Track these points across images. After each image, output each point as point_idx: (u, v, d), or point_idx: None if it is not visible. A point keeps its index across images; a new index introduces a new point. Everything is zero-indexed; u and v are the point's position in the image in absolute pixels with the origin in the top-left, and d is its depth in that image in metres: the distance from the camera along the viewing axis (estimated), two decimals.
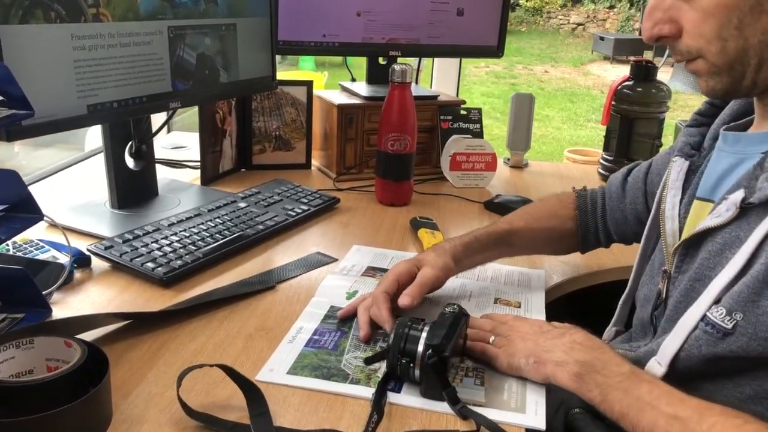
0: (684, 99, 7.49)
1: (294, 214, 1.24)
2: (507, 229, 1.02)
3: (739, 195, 0.70)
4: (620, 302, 0.94)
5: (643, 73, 1.58)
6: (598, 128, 6.11)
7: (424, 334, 0.74)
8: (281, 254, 1.11)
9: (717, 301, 0.68)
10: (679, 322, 0.71)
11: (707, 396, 0.67)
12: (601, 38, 10.34)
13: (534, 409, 0.74)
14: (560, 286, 1.09)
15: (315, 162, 1.63)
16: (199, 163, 1.44)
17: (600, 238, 1.05)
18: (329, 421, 0.70)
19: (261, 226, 1.16)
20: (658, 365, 0.73)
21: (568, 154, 3.44)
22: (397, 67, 1.32)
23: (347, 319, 0.90)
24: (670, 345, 0.72)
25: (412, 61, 1.71)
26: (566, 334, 0.77)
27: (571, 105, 7.31)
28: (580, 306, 1.15)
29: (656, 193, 0.90)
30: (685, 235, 0.79)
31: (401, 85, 1.33)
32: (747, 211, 0.69)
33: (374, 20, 1.54)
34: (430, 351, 0.72)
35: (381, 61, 1.63)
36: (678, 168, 0.84)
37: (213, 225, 1.13)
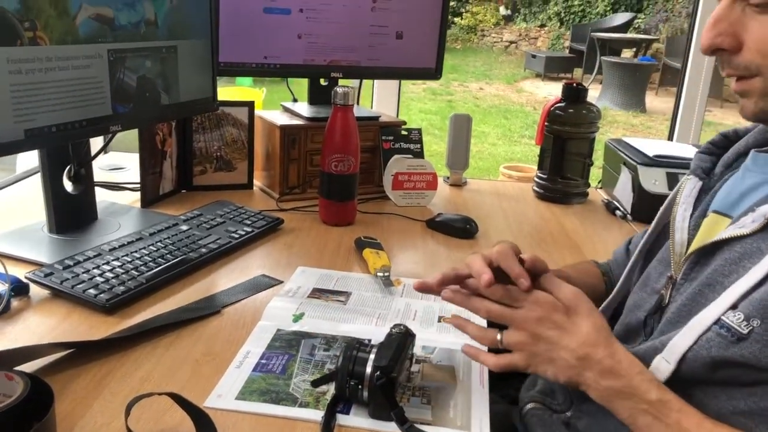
0: (612, 115, 7.77)
1: (237, 236, 1.24)
2: (569, 276, 0.99)
3: (767, 209, 0.71)
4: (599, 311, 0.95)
5: (574, 95, 1.65)
6: (532, 144, 6.28)
7: (372, 356, 0.76)
8: (225, 277, 1.11)
9: (734, 307, 0.69)
10: (692, 323, 0.72)
11: (698, 405, 0.70)
12: (533, 56, 10.63)
13: (479, 426, 0.76)
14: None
15: (257, 182, 1.63)
16: (138, 185, 1.42)
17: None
18: None
19: (204, 249, 1.16)
20: (665, 362, 0.73)
21: (504, 170, 3.53)
22: (339, 89, 1.34)
23: (295, 342, 0.91)
24: (680, 343, 0.72)
25: (352, 83, 1.74)
26: (590, 353, 0.74)
27: (506, 121, 7.49)
28: None
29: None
30: (697, 244, 0.80)
31: (344, 107, 1.35)
32: None
33: (315, 42, 1.56)
34: (378, 372, 0.74)
35: (322, 82, 1.65)
36: (692, 186, 0.87)
37: (155, 249, 1.12)
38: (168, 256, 1.10)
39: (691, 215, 0.85)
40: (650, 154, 1.61)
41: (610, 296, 0.96)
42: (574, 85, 1.65)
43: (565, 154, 1.66)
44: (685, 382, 0.72)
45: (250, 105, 1.59)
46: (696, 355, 0.70)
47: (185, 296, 1.03)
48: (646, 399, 0.70)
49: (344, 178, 1.38)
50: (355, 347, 0.77)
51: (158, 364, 0.84)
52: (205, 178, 1.56)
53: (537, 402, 0.93)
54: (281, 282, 1.11)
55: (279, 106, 1.70)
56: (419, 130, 1.68)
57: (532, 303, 0.77)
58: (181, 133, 1.51)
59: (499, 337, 0.79)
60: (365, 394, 0.75)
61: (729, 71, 0.75)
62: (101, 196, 1.37)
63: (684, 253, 0.82)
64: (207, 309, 0.99)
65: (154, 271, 1.05)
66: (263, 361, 0.86)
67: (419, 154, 1.64)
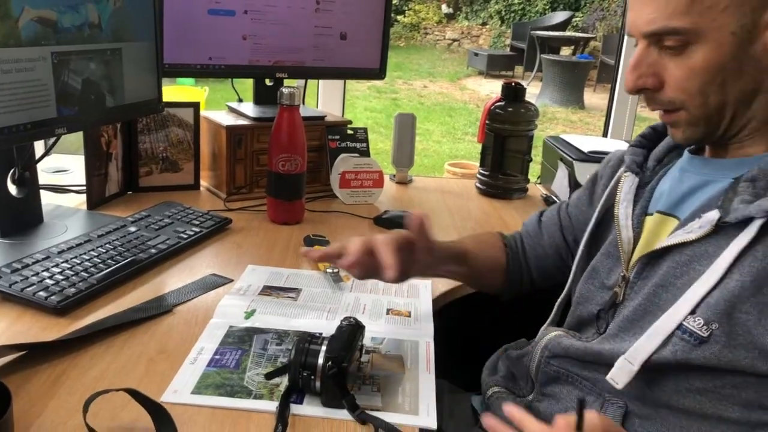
0: (552, 112, 7.97)
1: (186, 236, 1.25)
2: (465, 249, 1.07)
3: (714, 214, 0.75)
4: (557, 303, 0.99)
5: (513, 94, 1.71)
6: (475, 142, 6.40)
7: (323, 348, 0.79)
8: (176, 277, 1.13)
9: (693, 312, 0.74)
10: (655, 328, 0.76)
11: (661, 400, 0.76)
12: (476, 54, 10.80)
13: (426, 411, 0.80)
14: (447, 293, 1.17)
15: (204, 183, 1.64)
16: (84, 188, 1.42)
17: (523, 276, 1.12)
18: None
19: (153, 250, 1.17)
20: (629, 364, 0.77)
21: (448, 167, 3.60)
22: (285, 90, 1.36)
23: (247, 338, 0.94)
24: (644, 347, 0.76)
25: (297, 83, 1.77)
26: None
27: (450, 119, 7.60)
28: (472, 312, 1.24)
29: (580, 225, 1.01)
30: (643, 244, 0.85)
31: (290, 108, 1.38)
32: (718, 230, 0.75)
33: (260, 43, 1.57)
34: (329, 363, 0.77)
35: (268, 82, 1.67)
36: (630, 183, 0.91)
37: (104, 251, 1.12)
38: (118, 257, 1.11)
39: (633, 211, 0.89)
40: (585, 150, 1.69)
41: (565, 289, 1.00)
42: (513, 84, 1.71)
43: (505, 151, 1.72)
44: (648, 380, 0.78)
45: (196, 106, 1.59)
46: (660, 357, 0.75)
47: (136, 296, 1.04)
48: None
49: (292, 177, 1.41)
50: (307, 340, 0.80)
51: (112, 362, 0.85)
52: (151, 179, 1.56)
53: (500, 386, 0.98)
54: (231, 280, 1.13)
55: (222, 105, 1.71)
56: (365, 129, 1.71)
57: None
58: (126, 134, 1.51)
59: None
60: (317, 384, 0.78)
61: (655, 106, 0.82)
62: (46, 198, 1.36)
63: (631, 251, 0.86)
64: (159, 308, 1.00)
65: (105, 272, 1.05)
66: (217, 357, 0.88)
67: (365, 153, 1.67)
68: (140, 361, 0.86)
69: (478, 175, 1.79)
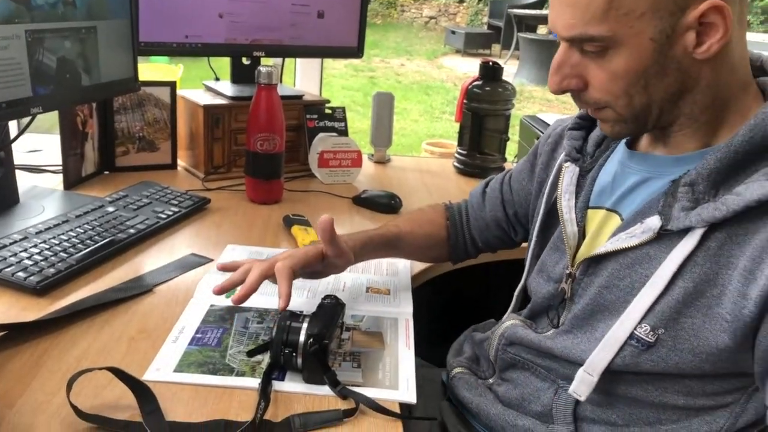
0: (529, 91, 8.00)
1: (165, 216, 1.25)
2: (396, 233, 1.07)
3: (655, 221, 0.76)
4: (516, 293, 1.01)
5: (491, 74, 1.72)
6: (452, 120, 6.41)
7: (305, 325, 0.80)
8: (155, 257, 1.13)
9: (641, 320, 0.76)
10: (607, 338, 0.77)
11: (626, 396, 0.79)
12: (453, 32, 10.77)
13: (406, 386, 0.82)
14: (425, 271, 1.18)
15: (181, 162, 1.64)
16: (60, 167, 1.40)
17: (468, 246, 1.13)
18: (219, 412, 0.74)
19: (132, 230, 1.17)
20: (588, 375, 0.79)
21: (426, 146, 3.60)
22: (263, 69, 1.36)
23: (228, 316, 0.95)
24: (600, 358, 0.78)
25: (273, 61, 1.76)
26: None
27: (427, 98, 7.59)
28: (447, 290, 1.26)
29: (521, 199, 1.03)
30: (588, 241, 0.86)
31: (268, 87, 1.37)
32: (660, 236, 0.76)
33: (237, 21, 1.56)
34: (311, 340, 0.78)
35: (245, 61, 1.66)
36: (570, 174, 0.91)
37: (83, 231, 1.12)
38: (96, 237, 1.11)
39: (576, 204, 0.89)
40: None
41: (522, 279, 1.01)
42: (490, 63, 1.72)
43: (482, 131, 1.73)
44: (608, 384, 0.81)
45: (172, 85, 1.58)
46: (614, 365, 0.78)
47: (116, 277, 1.04)
48: None
49: (270, 156, 1.41)
50: (288, 318, 0.81)
51: (94, 342, 0.86)
52: (127, 159, 1.55)
53: (464, 367, 1.00)
54: (211, 260, 1.13)
55: (197, 83, 1.70)
56: (343, 109, 1.71)
57: None
58: (102, 113, 1.50)
59: None
60: (299, 361, 0.80)
61: (582, 105, 0.82)
62: (22, 179, 1.34)
63: (576, 245, 0.87)
64: (139, 288, 1.00)
65: (84, 252, 1.05)
66: (198, 336, 0.89)
67: (344, 133, 1.68)
68: (122, 341, 0.87)
69: (456, 155, 1.80)
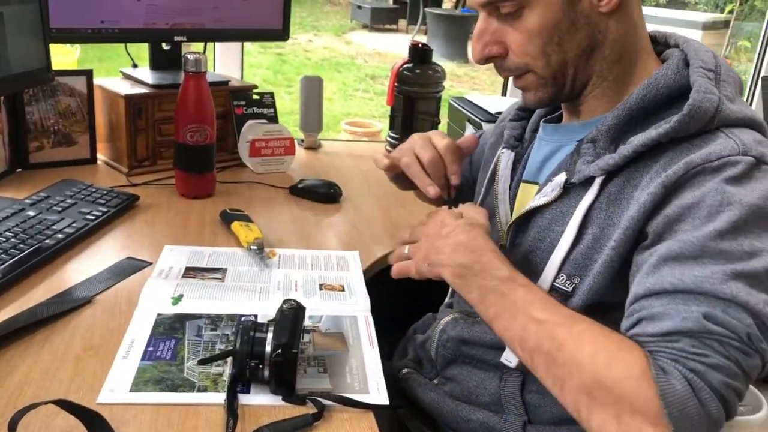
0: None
1: (93, 217, 1.17)
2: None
3: (561, 177, 0.82)
4: None
5: (420, 56, 1.70)
6: (367, 98, 6.38)
7: (270, 336, 0.76)
8: (89, 263, 1.05)
9: (558, 271, 0.80)
10: None
11: None
12: (359, 7, 10.65)
13: (376, 388, 0.80)
14: (375, 263, 1.16)
15: (101, 156, 1.53)
16: None
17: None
18: None
19: (60, 235, 1.08)
20: None
21: (345, 126, 3.57)
22: (190, 56, 1.28)
23: (179, 325, 0.89)
24: None
25: (197, 46, 1.67)
26: (452, 234, 0.81)
27: (339, 75, 7.50)
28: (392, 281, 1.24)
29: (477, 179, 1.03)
30: (516, 213, 0.90)
31: (196, 75, 1.30)
32: (568, 191, 0.82)
33: (156, 4, 1.47)
34: (279, 350, 0.75)
35: (165, 46, 1.56)
36: (506, 158, 0.97)
37: (4, 239, 1.03)
38: (21, 245, 1.02)
39: (510, 185, 0.95)
40: (492, 111, 1.72)
41: None
42: (420, 46, 1.70)
43: (414, 114, 1.72)
44: None
45: (88, 73, 1.47)
46: None
47: (48, 288, 0.96)
48: (496, 275, 0.77)
49: (202, 148, 1.34)
50: (251, 328, 0.77)
51: (35, 365, 0.79)
52: (42, 154, 1.44)
53: (410, 368, 1.00)
54: (150, 263, 1.07)
55: (95, 64, 1.59)
56: (272, 94, 1.65)
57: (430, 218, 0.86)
58: (12, 106, 1.38)
59: (406, 250, 0.87)
60: (266, 372, 0.76)
61: (505, 73, 0.87)
62: None
63: (508, 222, 0.91)
64: (76, 300, 0.93)
65: (8, 263, 0.97)
66: (150, 349, 0.84)
67: (273, 119, 1.62)
68: (66, 360, 0.80)
69: (389, 138, 1.78)
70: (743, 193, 0.69)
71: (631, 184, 0.77)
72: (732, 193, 0.69)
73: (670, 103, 0.79)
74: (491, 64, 0.86)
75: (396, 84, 1.71)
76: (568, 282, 0.80)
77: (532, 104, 0.88)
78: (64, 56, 5.10)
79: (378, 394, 0.79)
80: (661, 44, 0.89)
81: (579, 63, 0.82)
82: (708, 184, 0.71)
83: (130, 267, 1.05)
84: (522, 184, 0.93)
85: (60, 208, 1.17)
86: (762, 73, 2.26)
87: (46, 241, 1.05)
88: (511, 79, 0.88)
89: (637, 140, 0.76)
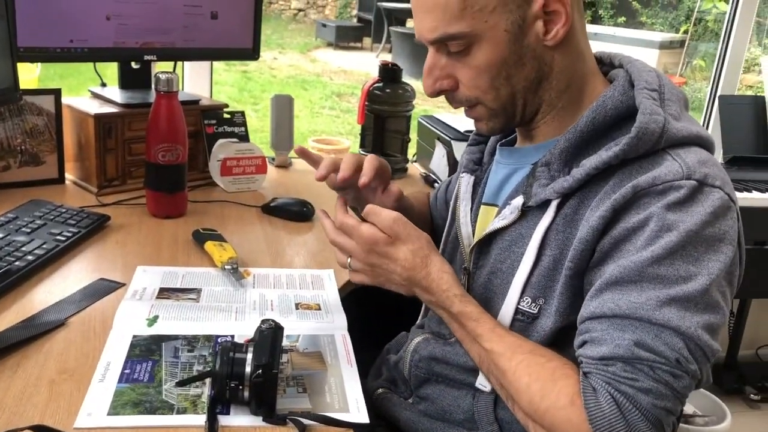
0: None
1: (63, 238, 1.15)
2: (411, 204, 1.10)
3: (519, 200, 0.85)
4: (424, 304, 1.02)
5: (391, 75, 1.73)
6: (333, 115, 6.39)
7: (249, 356, 0.76)
8: (60, 285, 1.03)
9: (522, 294, 0.82)
10: (500, 317, 0.84)
11: None
12: (324, 25, 10.70)
13: (356, 407, 0.81)
14: (348, 282, 1.16)
15: (69, 176, 1.51)
16: None
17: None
18: None
19: (30, 257, 1.06)
20: None
21: (313, 143, 3.56)
22: (162, 75, 1.28)
23: (155, 347, 0.89)
24: None
25: (166, 66, 1.66)
26: (397, 272, 0.86)
27: (305, 92, 7.50)
28: (378, 297, 1.24)
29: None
30: (477, 235, 0.92)
31: (168, 94, 1.30)
32: (526, 213, 0.85)
33: (126, 24, 1.46)
34: (259, 371, 0.75)
35: (134, 65, 1.56)
36: (466, 182, 0.99)
37: None
38: None
39: (471, 208, 0.97)
40: (461, 129, 1.74)
41: None
42: (390, 66, 1.73)
43: (384, 132, 1.74)
44: None
45: (57, 93, 1.46)
46: None
47: (19, 311, 0.95)
48: (450, 311, 0.83)
49: (173, 168, 1.33)
50: (230, 349, 0.77)
51: (9, 389, 0.78)
52: (9, 174, 1.42)
53: (384, 388, 1.01)
54: (123, 284, 1.06)
55: (59, 82, 1.56)
56: (242, 113, 1.66)
57: (358, 237, 0.86)
58: None
59: (348, 260, 0.90)
60: (246, 393, 0.76)
61: (456, 105, 0.89)
62: None
63: (471, 244, 0.93)
64: (49, 323, 0.92)
65: None
66: (127, 371, 0.83)
67: (245, 138, 1.62)
68: (41, 385, 0.79)
69: None
70: (683, 219, 0.73)
71: (585, 204, 0.80)
72: (672, 220, 0.73)
73: (619, 123, 0.82)
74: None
75: (366, 103, 1.73)
76: (534, 304, 0.82)
77: (485, 133, 0.92)
78: (25, 73, 5.02)
79: (358, 412, 0.80)
80: (606, 65, 0.92)
81: (527, 94, 0.84)
82: (651, 209, 0.75)
83: (103, 288, 1.04)
84: (482, 207, 0.95)
85: (29, 229, 1.16)
86: (719, 93, 2.34)
87: (16, 263, 1.04)
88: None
89: (590, 163, 0.79)
